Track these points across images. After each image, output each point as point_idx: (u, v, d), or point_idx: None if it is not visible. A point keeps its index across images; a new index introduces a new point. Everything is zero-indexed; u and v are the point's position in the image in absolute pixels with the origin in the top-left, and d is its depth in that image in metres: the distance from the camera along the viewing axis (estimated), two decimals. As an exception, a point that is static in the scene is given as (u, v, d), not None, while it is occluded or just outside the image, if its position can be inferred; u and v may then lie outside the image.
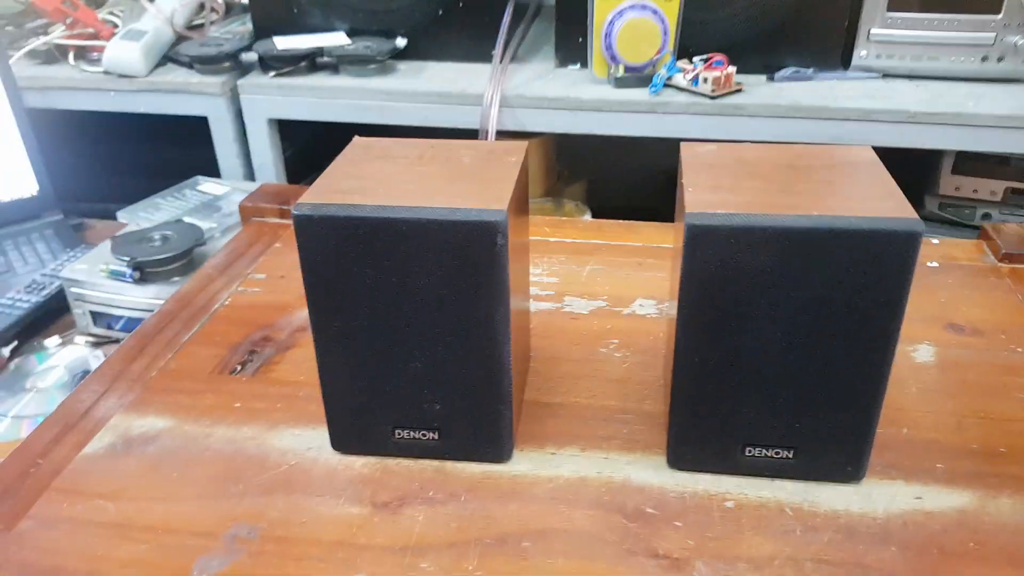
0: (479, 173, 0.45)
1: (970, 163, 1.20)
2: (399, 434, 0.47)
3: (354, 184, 0.43)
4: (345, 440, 0.48)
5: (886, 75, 1.17)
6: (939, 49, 1.14)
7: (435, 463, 0.48)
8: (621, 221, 0.77)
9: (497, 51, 1.17)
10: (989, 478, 0.46)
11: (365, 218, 0.40)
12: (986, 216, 1.22)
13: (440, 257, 0.41)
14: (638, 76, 1.11)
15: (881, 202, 0.40)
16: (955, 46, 1.14)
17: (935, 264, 0.69)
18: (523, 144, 0.49)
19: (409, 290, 0.42)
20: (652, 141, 1.14)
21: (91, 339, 0.96)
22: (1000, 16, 1.11)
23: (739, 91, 1.10)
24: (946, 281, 0.66)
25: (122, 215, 1.12)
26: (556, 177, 1.53)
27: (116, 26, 1.28)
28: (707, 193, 0.41)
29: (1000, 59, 1.13)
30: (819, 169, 0.44)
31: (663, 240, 0.74)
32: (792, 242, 0.39)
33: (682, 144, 0.48)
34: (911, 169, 1.25)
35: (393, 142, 0.50)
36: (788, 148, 0.47)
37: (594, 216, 1.39)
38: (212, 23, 1.34)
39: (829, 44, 1.16)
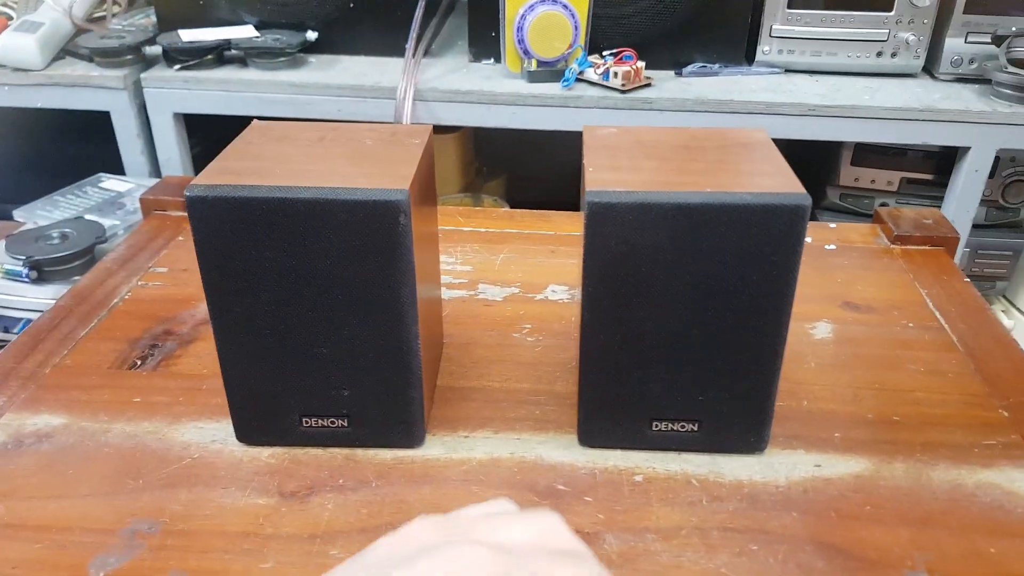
0: (381, 154, 0.44)
1: (868, 155, 1.26)
2: (307, 422, 0.46)
3: (251, 165, 0.42)
4: (250, 431, 0.47)
5: (788, 70, 1.21)
6: (837, 45, 1.19)
7: (345, 451, 0.47)
8: (534, 211, 0.78)
9: (410, 44, 1.17)
10: (884, 445, 0.48)
11: (262, 198, 0.39)
12: (883, 206, 1.28)
13: (342, 238, 0.40)
14: (550, 70, 1.12)
15: (770, 178, 0.41)
16: (852, 42, 1.19)
17: (832, 247, 0.71)
18: (427, 127, 0.48)
19: (311, 273, 0.41)
20: (569, 137, 1.15)
21: (-14, 343, 0.91)
22: (892, 13, 1.16)
23: (648, 85, 1.12)
24: (842, 262, 0.69)
25: (19, 214, 1.07)
26: (475, 173, 1.53)
27: (10, 17, 1.22)
28: (607, 172, 0.42)
29: (894, 54, 1.19)
30: (713, 149, 0.45)
31: (575, 228, 0.75)
32: (687, 218, 0.40)
33: (584, 127, 0.49)
34: (813, 161, 1.30)
35: (293, 125, 0.49)
36: (684, 131, 0.48)
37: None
38: (114, 15, 1.29)
39: (734, 40, 1.20)
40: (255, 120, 0.49)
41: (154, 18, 1.23)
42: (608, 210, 0.40)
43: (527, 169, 1.60)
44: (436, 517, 0.32)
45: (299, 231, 0.40)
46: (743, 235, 0.40)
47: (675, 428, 0.46)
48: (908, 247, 0.72)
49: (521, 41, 1.10)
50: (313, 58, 1.21)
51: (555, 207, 0.79)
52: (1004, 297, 1.35)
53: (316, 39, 1.19)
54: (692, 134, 0.48)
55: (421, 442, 0.48)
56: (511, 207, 1.44)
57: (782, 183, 0.41)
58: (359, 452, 0.47)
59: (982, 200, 1.20)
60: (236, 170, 0.41)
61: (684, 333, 0.43)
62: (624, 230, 0.40)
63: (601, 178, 0.41)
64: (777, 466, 0.47)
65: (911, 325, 0.60)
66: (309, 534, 0.42)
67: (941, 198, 1.23)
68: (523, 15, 1.08)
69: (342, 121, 1.16)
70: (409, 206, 0.40)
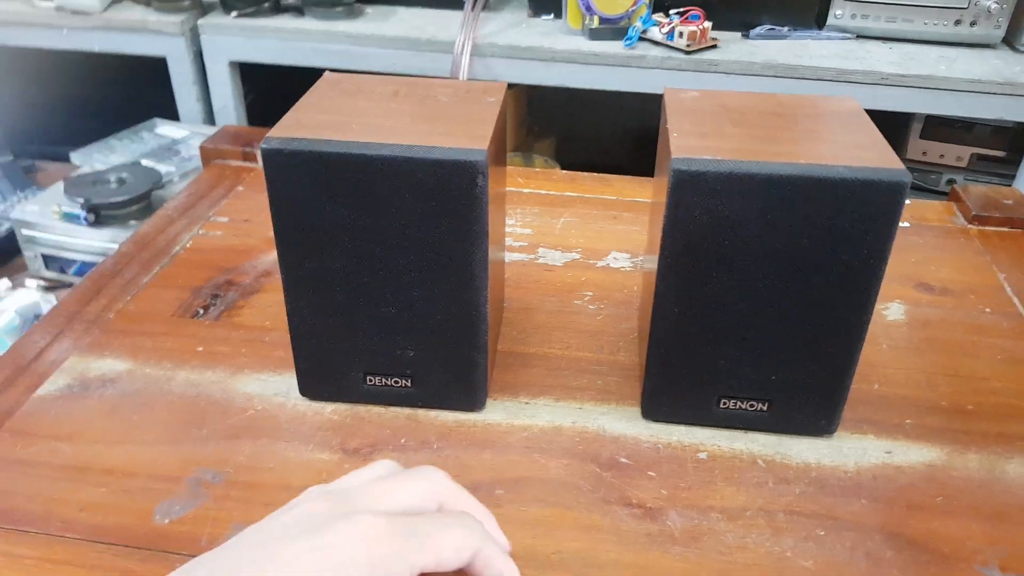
0: (457, 112, 0.43)
1: (937, 128, 1.21)
2: (370, 380, 0.46)
3: (326, 119, 0.41)
4: (314, 386, 0.47)
5: (860, 36, 1.17)
6: (913, 11, 1.14)
7: (407, 411, 0.47)
8: (595, 174, 0.76)
9: (469, -2, 1.14)
10: (958, 434, 0.47)
11: (339, 154, 0.38)
12: (951, 182, 1.24)
13: (417, 197, 0.39)
14: (613, 28, 1.09)
15: (867, 151, 0.39)
16: (929, 8, 1.14)
17: (906, 224, 0.69)
18: (502, 85, 0.47)
19: (383, 231, 0.40)
20: (623, 99, 1.13)
21: (43, 283, 0.93)
22: (975, -20, 1.11)
23: (714, 47, 1.09)
24: (917, 242, 0.67)
25: (76, 156, 1.08)
26: (527, 132, 1.51)
27: (69, -42, 1.22)
28: (692, 139, 0.40)
29: (973, 23, 1.14)
30: (803, 118, 0.43)
31: (637, 194, 0.73)
32: (777, 190, 0.38)
33: (666, 89, 0.47)
34: (880, 132, 1.26)
35: (366, 78, 0.48)
36: (771, 97, 0.46)
37: (563, 172, 1.38)
38: (172, -42, 1.28)
39: (804, 3, 1.15)
40: (327, 72, 0.48)
41: (213, -37, 1.22)
42: (695, 178, 0.38)
43: (578, 130, 1.57)
44: (325, 487, 0.34)
45: (374, 188, 0.39)
46: (837, 211, 0.38)
47: (743, 407, 0.45)
48: (986, 228, 0.69)
49: (584, -3, 1.07)
50: (370, 8, 1.20)
51: (605, 170, 0.77)
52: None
53: (374, -11, 1.17)
54: (779, 100, 0.45)
55: (483, 406, 0.47)
56: (561, 168, 1.42)
57: (879, 157, 0.39)
58: (420, 413, 0.47)
59: (1056, 180, 1.15)
60: (312, 123, 0.40)
61: (763, 310, 0.41)
62: (710, 200, 0.38)
63: (687, 144, 0.39)
64: (846, 451, 0.45)
65: (988, 310, 0.58)
66: (371, 493, 0.41)
67: (1012, 176, 1.18)
68: (588, -30, 1.05)
69: (399, 75, 1.15)
70: (487, 167, 0.38)
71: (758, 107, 0.44)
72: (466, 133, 0.40)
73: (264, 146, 0.39)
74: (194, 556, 0.37)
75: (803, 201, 0.38)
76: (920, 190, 1.25)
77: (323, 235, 0.41)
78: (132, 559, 0.38)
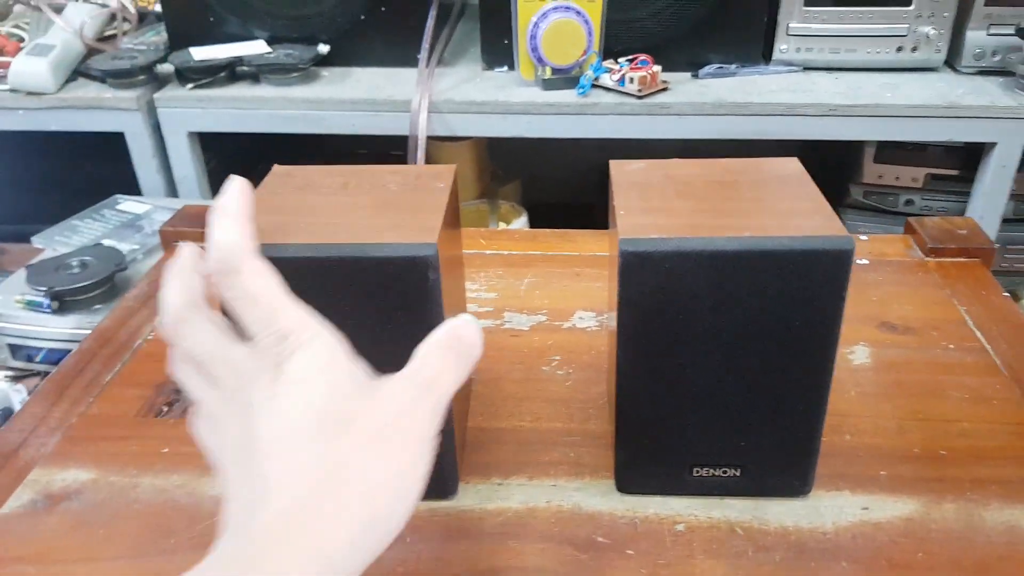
0: (407, 201, 0.43)
1: (891, 151, 1.24)
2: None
3: (275, 220, 0.41)
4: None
5: (806, 68, 1.19)
6: (855, 41, 1.17)
7: (378, 502, 0.46)
8: (556, 230, 0.77)
9: (423, 55, 1.15)
10: (932, 483, 0.47)
11: (289, 258, 0.38)
12: (909, 203, 1.26)
13: (369, 296, 0.39)
14: (565, 77, 1.11)
15: (810, 218, 0.40)
16: (871, 38, 1.16)
17: (865, 261, 0.70)
18: (451, 168, 0.47)
19: (340, 329, 0.40)
20: (583, 139, 1.14)
21: (10, 373, 0.91)
22: (912, 7, 1.14)
23: (665, 89, 1.10)
24: (877, 279, 0.67)
25: (37, 240, 1.06)
26: (490, 177, 1.51)
27: (22, 40, 1.22)
28: (639, 216, 0.41)
29: (914, 49, 1.17)
30: (747, 185, 0.44)
31: (599, 248, 0.73)
32: (726, 264, 0.38)
33: (611, 163, 0.47)
34: (836, 159, 1.28)
35: (315, 170, 0.48)
36: (716, 163, 0.47)
37: (530, 215, 1.38)
38: (124, 34, 1.28)
39: (750, 39, 1.18)
40: (275, 166, 0.48)
41: (165, 35, 1.23)
42: (643, 259, 0.38)
43: (543, 170, 1.58)
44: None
45: (326, 289, 0.39)
46: (785, 281, 0.38)
47: (716, 473, 0.45)
48: (943, 259, 0.70)
49: (535, 49, 1.09)
50: (326, 71, 1.20)
51: (571, 210, 0.78)
52: (1034, 292, 1.33)
53: (328, 52, 1.18)
54: (725, 167, 0.46)
55: (455, 492, 0.47)
56: (528, 209, 1.42)
57: (823, 224, 0.39)
58: (392, 503, 0.46)
59: (1010, 195, 1.17)
60: (261, 227, 0.40)
61: (724, 379, 0.41)
62: (660, 278, 0.39)
63: (633, 223, 0.40)
64: (823, 510, 0.45)
65: (952, 347, 0.59)
66: (346, 596, 0.41)
67: (968, 193, 1.20)
68: (536, 23, 1.07)
69: (357, 136, 1.15)
70: (438, 261, 0.38)
71: (703, 176, 0.45)
72: (415, 224, 0.40)
73: None
74: None
75: (751, 273, 0.38)
76: (880, 212, 1.27)
77: None
78: None
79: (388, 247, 0.38)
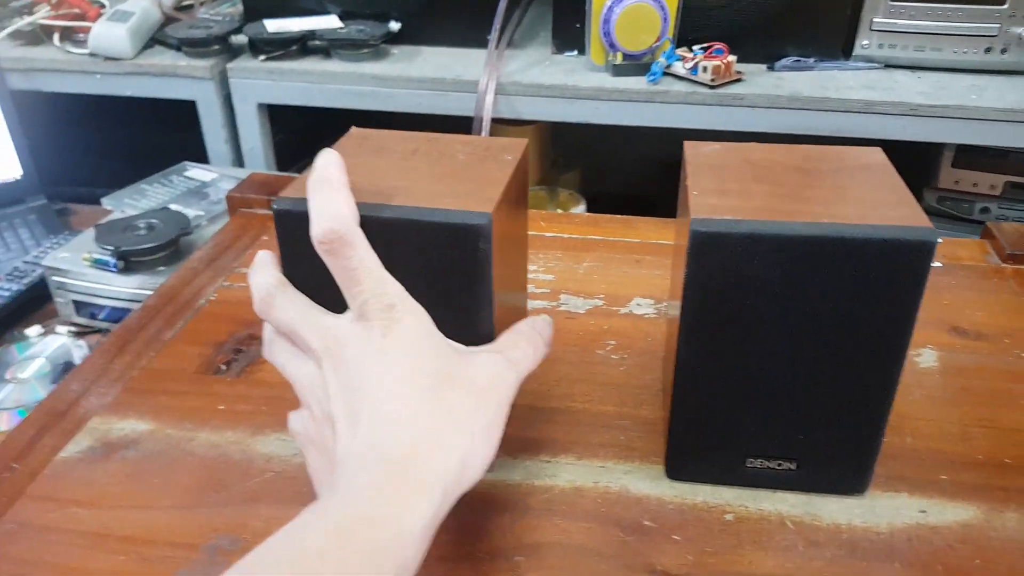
0: (472, 171, 0.43)
1: (970, 156, 1.19)
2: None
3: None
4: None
5: (888, 65, 1.15)
6: (942, 40, 1.12)
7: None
8: (618, 216, 0.76)
9: (493, 36, 1.15)
10: (995, 491, 0.45)
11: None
12: (984, 211, 1.21)
13: (421, 259, 0.39)
14: (636, 64, 1.09)
15: (893, 209, 0.38)
16: (959, 36, 1.12)
17: (938, 264, 0.67)
18: (523, 141, 0.47)
19: None
20: (648, 130, 1.12)
21: (74, 328, 0.94)
22: (1005, 7, 1.09)
23: (739, 80, 1.08)
24: (950, 282, 0.65)
25: (107, 201, 1.09)
26: (551, 164, 1.51)
27: (103, 7, 1.24)
28: (712, 197, 0.40)
29: (1004, 50, 1.12)
30: (828, 173, 0.42)
31: (661, 236, 0.72)
32: (801, 251, 0.37)
33: (685, 143, 0.46)
34: (911, 162, 1.23)
35: (390, 134, 0.47)
36: (796, 149, 0.45)
37: (589, 205, 1.37)
38: (201, 4, 1.31)
39: (831, 33, 1.14)
40: (353, 127, 0.48)
41: (240, 7, 1.24)
42: (714, 240, 0.37)
43: (604, 161, 1.57)
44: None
45: (379, 249, 0.39)
46: (862, 272, 0.37)
47: (771, 466, 0.44)
48: (1021, 267, 0.67)
49: (607, 34, 1.07)
50: (396, 49, 1.21)
51: (632, 201, 0.77)
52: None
53: (399, 29, 1.18)
54: (806, 154, 0.45)
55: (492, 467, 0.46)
56: (587, 199, 1.41)
57: (906, 215, 0.38)
58: (440, 473, 0.46)
59: (1095, 208, 1.12)
60: None
61: (788, 370, 0.40)
62: (730, 261, 0.38)
63: (707, 203, 0.39)
64: (879, 510, 0.44)
65: (1025, 355, 0.56)
66: (389, 560, 0.41)
67: (1049, 204, 1.15)
68: (610, 7, 1.05)
69: (425, 115, 1.16)
70: (491, 231, 0.38)
71: (782, 161, 0.44)
72: (476, 193, 0.40)
73: (276, 206, 0.39)
74: (210, 631, 0.37)
75: (827, 262, 0.37)
76: (954, 219, 1.23)
77: (331, 295, 0.40)
78: (149, 632, 0.37)
79: (441, 213, 0.38)
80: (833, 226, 0.37)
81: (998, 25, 1.10)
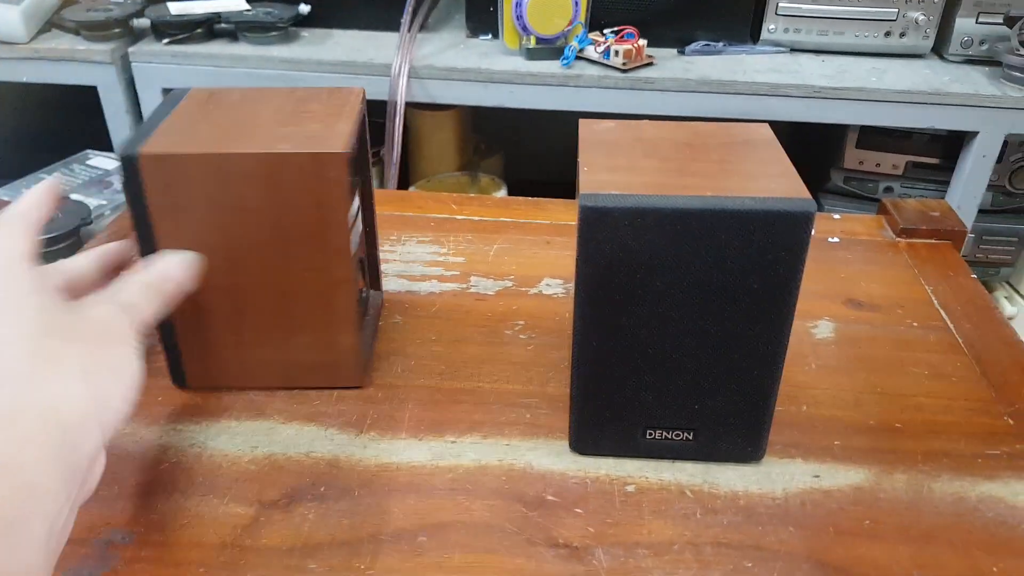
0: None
1: (873, 137, 1.23)
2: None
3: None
4: (231, 435, 0.45)
5: (793, 49, 1.18)
6: (844, 24, 1.16)
7: (327, 456, 0.46)
8: (529, 198, 0.76)
9: (405, 19, 1.14)
10: (885, 454, 0.47)
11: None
12: (888, 190, 1.26)
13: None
14: (550, 48, 1.10)
15: (774, 181, 0.39)
16: (859, 21, 1.16)
17: (836, 240, 0.69)
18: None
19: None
20: (567, 114, 1.13)
21: (-31, 326, 0.89)
22: (902, -8, 1.13)
23: (650, 64, 1.09)
24: (846, 256, 0.67)
25: (3, 192, 1.04)
26: (472, 150, 1.50)
27: (-7, -13, 1.19)
28: (603, 173, 0.40)
29: (902, 34, 1.16)
30: (715, 147, 0.43)
31: (570, 218, 0.72)
32: (686, 224, 0.38)
33: (581, 122, 0.47)
34: (818, 143, 1.28)
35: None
36: (687, 126, 0.46)
37: (510, 191, 1.38)
38: (101, -14, 1.25)
39: (738, 18, 1.17)
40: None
41: (143, -11, 1.20)
42: (602, 215, 0.38)
43: (525, 146, 1.57)
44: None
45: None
46: (745, 242, 0.38)
47: (669, 436, 0.45)
48: (914, 240, 0.70)
49: (520, 17, 1.07)
50: (306, 32, 1.19)
51: (554, 185, 0.77)
52: (1008, 283, 1.34)
53: (309, 12, 1.16)
54: (695, 130, 0.45)
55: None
56: (508, 185, 1.41)
57: (787, 187, 0.39)
58: (342, 458, 0.46)
59: (989, 185, 1.18)
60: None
61: (681, 341, 0.41)
62: (619, 235, 0.38)
63: (596, 180, 0.39)
64: (775, 476, 0.45)
65: (915, 324, 0.59)
66: (289, 546, 0.40)
67: (947, 183, 1.21)
68: (522, -9, 1.05)
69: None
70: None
71: (672, 137, 0.44)
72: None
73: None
74: (96, 627, 0.36)
75: (711, 234, 0.38)
76: (859, 198, 1.27)
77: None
78: (32, 632, 0.36)
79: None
80: (716, 199, 0.37)
81: (896, 10, 1.14)
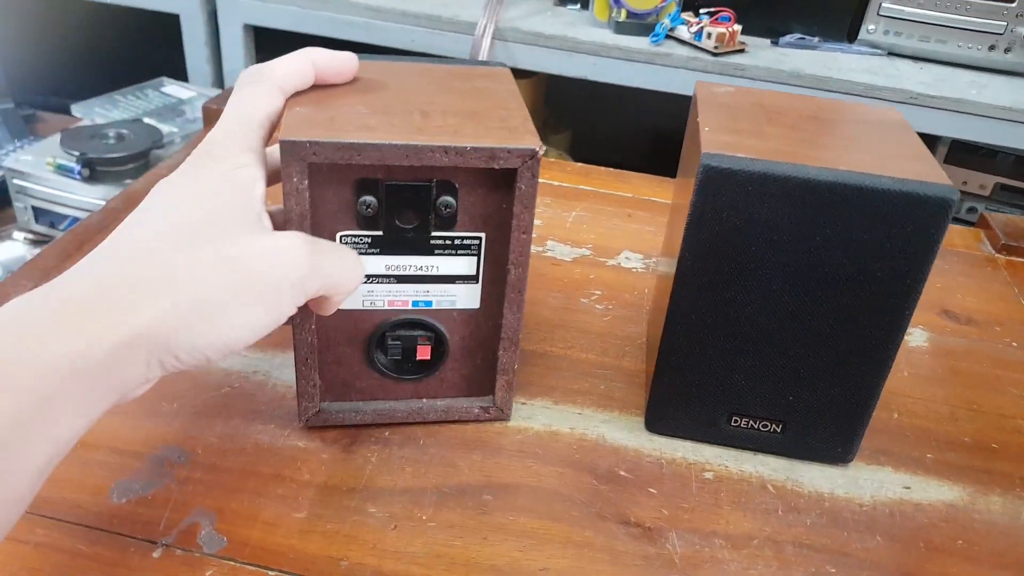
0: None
1: (963, 155, 1.18)
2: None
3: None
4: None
5: (891, 53, 1.13)
6: (948, 32, 1.11)
7: (393, 401, 0.44)
8: (611, 169, 0.73)
9: (495, -20, 1.11)
10: (980, 473, 0.44)
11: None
12: (972, 211, 1.21)
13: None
14: (640, 23, 1.06)
15: (911, 163, 0.36)
16: (964, 31, 1.10)
17: (933, 247, 0.66)
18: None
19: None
20: (643, 98, 1.09)
21: (31, 236, 0.89)
22: (1014, 5, 1.08)
23: (742, 51, 1.06)
24: (943, 267, 0.63)
25: (77, 109, 1.04)
26: (542, 123, 1.47)
27: (87, -95, 1.18)
28: (725, 135, 0.37)
29: (1007, 50, 1.11)
30: (844, 124, 0.40)
31: (654, 193, 0.70)
32: (814, 196, 0.35)
33: (697, 83, 0.44)
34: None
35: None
36: (811, 99, 0.43)
37: (575, 168, 1.35)
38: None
39: (838, 14, 1.12)
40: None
41: (235, -78, 1.19)
42: (726, 177, 0.35)
43: (595, 126, 1.54)
44: None
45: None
46: (877, 224, 0.35)
47: (756, 426, 0.42)
48: (1014, 258, 0.66)
49: (613, -12, 1.04)
50: (393, -18, 1.16)
51: (620, 169, 0.74)
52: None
53: (398, -37, 1.14)
54: (820, 105, 0.42)
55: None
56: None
57: (925, 170, 0.36)
58: (408, 405, 0.44)
59: (1081, 217, 1.12)
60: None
61: (786, 324, 0.38)
62: (740, 201, 0.35)
63: (719, 140, 0.36)
64: (862, 482, 0.42)
65: (1014, 344, 0.55)
66: (349, 487, 0.38)
67: (1035, 209, 1.15)
68: (619, -39, 1.02)
69: (417, 53, 1.12)
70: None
71: (796, 108, 0.41)
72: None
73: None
74: (148, 541, 0.35)
75: (841, 210, 0.35)
76: (939, 216, 1.22)
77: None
78: (82, 539, 0.35)
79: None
80: (850, 174, 0.34)
81: (1004, 23, 1.09)
